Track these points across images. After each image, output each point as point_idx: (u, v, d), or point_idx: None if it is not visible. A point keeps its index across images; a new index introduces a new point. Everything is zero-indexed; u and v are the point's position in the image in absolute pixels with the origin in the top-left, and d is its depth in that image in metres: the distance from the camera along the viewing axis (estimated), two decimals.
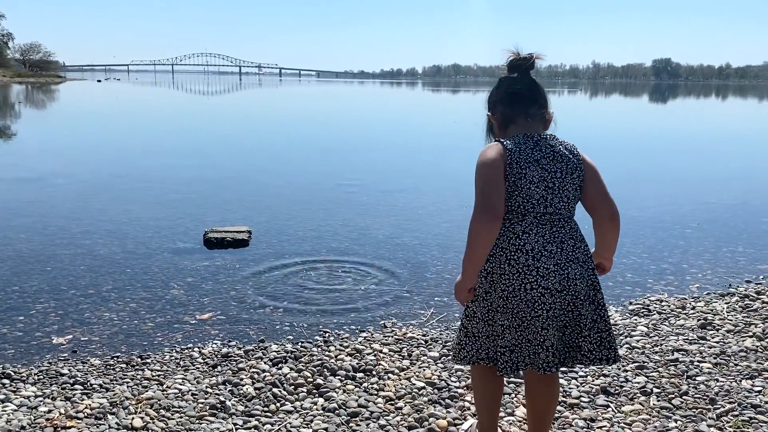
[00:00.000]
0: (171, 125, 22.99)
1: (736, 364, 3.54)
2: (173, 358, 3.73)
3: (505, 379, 3.09)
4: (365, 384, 3.31)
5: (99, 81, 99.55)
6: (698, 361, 3.57)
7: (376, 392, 3.22)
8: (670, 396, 3.16)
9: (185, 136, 18.81)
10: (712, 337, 3.96)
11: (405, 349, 3.78)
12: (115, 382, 3.38)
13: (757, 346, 3.79)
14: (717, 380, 3.33)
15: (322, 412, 3.03)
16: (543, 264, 2.09)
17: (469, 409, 3.00)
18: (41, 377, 3.45)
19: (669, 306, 4.61)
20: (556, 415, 2.96)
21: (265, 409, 3.07)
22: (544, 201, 2.13)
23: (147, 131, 19.83)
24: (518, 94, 2.26)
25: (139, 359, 3.70)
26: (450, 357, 3.60)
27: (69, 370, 3.53)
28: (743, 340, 3.90)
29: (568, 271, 2.12)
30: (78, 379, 3.40)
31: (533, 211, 2.12)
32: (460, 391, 3.21)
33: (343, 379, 3.37)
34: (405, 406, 3.07)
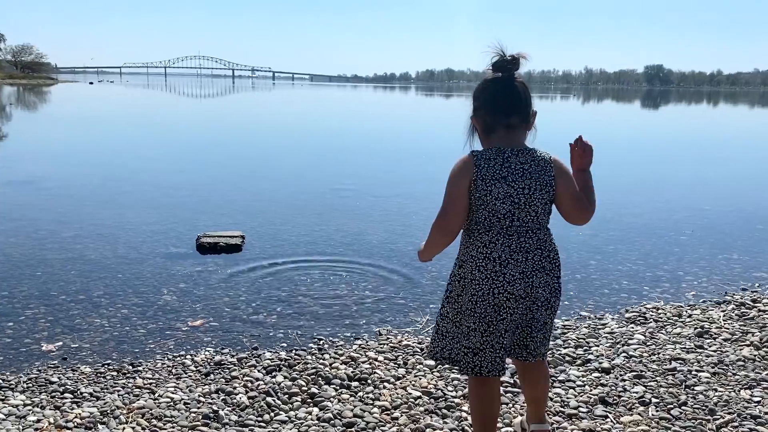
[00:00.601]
0: (164, 128, 22.88)
1: (735, 374, 3.52)
2: (165, 365, 3.67)
3: (501, 389, 3.07)
4: (360, 393, 3.26)
5: (91, 83, 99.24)
6: (696, 371, 3.54)
7: (371, 402, 3.17)
8: (669, 406, 3.12)
9: (178, 139, 18.72)
10: (710, 346, 3.93)
11: (400, 357, 3.74)
12: (105, 390, 3.32)
13: (755, 355, 3.77)
14: (715, 390, 3.30)
15: (317, 422, 2.98)
16: (509, 271, 2.21)
17: (466, 419, 2.96)
18: (30, 385, 3.38)
19: (665, 314, 4.58)
20: (555, 425, 2.93)
21: (259, 418, 3.02)
22: (511, 215, 2.22)
23: (139, 134, 19.72)
24: (501, 103, 2.28)
25: (130, 367, 3.64)
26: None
27: (59, 378, 3.47)
28: (740, 349, 3.87)
29: (533, 279, 2.24)
30: (68, 387, 3.34)
31: (499, 224, 2.23)
32: (456, 400, 3.16)
33: (338, 388, 3.32)
34: (401, 416, 3.02)
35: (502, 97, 2.27)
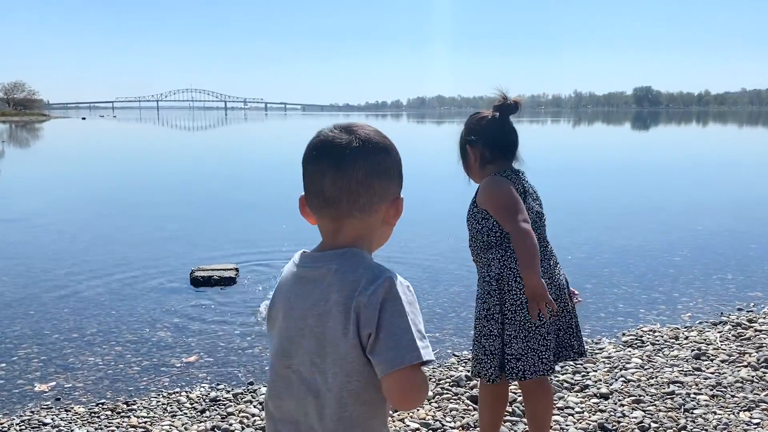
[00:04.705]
0: (156, 162, 22.90)
1: (733, 396, 3.50)
2: (160, 403, 3.63)
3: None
4: None
5: (83, 119, 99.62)
6: (695, 394, 3.52)
7: None
8: (668, 431, 3.10)
9: (170, 173, 18.72)
10: (707, 368, 3.92)
11: None
12: (100, 431, 3.28)
13: (753, 376, 3.76)
14: (715, 413, 3.28)
15: None
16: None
17: None
18: (23, 427, 3.34)
19: (662, 336, 4.57)
20: None
21: None
22: (536, 226, 2.43)
23: (132, 169, 19.73)
24: (502, 142, 2.52)
25: (124, 406, 3.60)
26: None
27: (52, 419, 3.43)
28: (738, 370, 3.86)
29: (559, 281, 2.46)
30: (62, 428, 3.30)
31: None
32: None
33: None
34: None
35: (503, 137, 2.52)
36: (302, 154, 1.36)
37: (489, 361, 2.44)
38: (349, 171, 1.28)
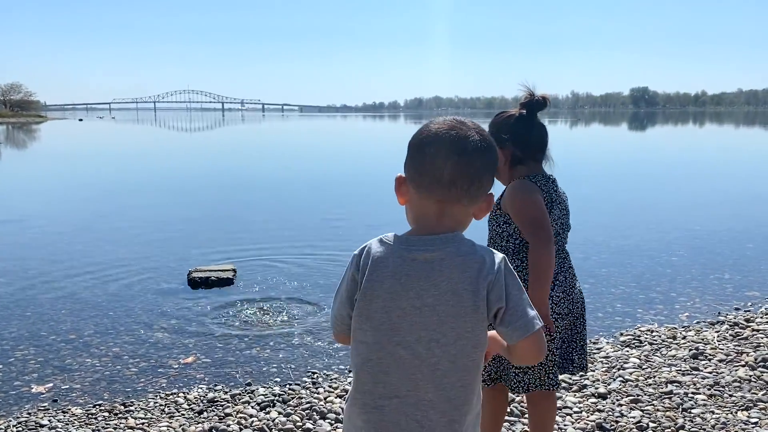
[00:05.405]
0: (153, 163, 22.86)
1: (731, 395, 3.50)
2: (157, 404, 3.63)
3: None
4: None
5: (80, 120, 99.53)
6: (692, 393, 3.53)
7: None
8: (666, 431, 3.10)
9: (168, 174, 18.70)
10: (705, 368, 3.92)
11: None
12: None
13: (750, 376, 3.76)
14: (712, 412, 3.29)
15: None
16: (555, 293, 2.33)
17: None
18: (20, 429, 3.33)
19: (660, 336, 4.58)
20: None
21: None
22: (558, 236, 2.37)
23: (129, 170, 19.69)
24: (533, 141, 2.39)
25: (122, 407, 3.59)
26: None
27: (49, 420, 3.42)
28: (736, 370, 3.86)
29: (573, 296, 2.39)
30: (59, 430, 3.29)
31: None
32: None
33: (333, 422, 3.28)
34: None
35: (532, 135, 2.40)
36: (414, 138, 1.47)
37: (492, 366, 2.44)
38: (471, 160, 1.40)
